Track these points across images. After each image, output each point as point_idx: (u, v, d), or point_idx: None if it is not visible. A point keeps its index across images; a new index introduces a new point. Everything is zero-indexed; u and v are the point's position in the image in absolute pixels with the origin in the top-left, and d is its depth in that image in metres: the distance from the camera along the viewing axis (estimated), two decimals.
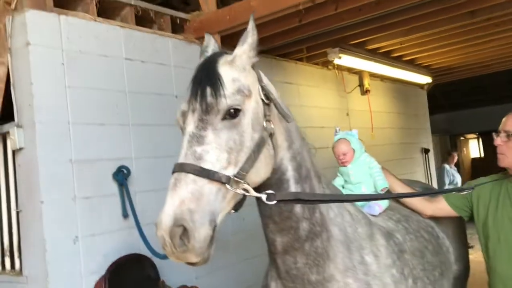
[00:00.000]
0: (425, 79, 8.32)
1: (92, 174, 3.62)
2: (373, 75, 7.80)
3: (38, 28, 3.39)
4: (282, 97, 6.13)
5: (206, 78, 1.82)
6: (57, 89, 3.48)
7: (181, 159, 1.74)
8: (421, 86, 9.58)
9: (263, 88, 1.97)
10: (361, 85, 7.32)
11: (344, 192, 2.81)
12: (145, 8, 4.27)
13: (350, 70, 7.31)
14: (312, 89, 6.53)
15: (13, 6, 3.42)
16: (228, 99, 1.79)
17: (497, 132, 2.63)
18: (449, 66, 8.22)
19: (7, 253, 3.65)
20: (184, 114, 1.87)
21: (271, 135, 1.93)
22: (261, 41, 5.48)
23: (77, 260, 3.45)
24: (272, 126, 1.94)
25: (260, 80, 1.99)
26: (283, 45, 5.54)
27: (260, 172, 1.89)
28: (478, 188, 2.74)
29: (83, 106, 3.63)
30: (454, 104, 15.01)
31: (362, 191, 2.74)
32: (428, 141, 10.15)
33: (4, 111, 3.58)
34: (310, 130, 3.06)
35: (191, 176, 1.68)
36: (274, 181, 2.00)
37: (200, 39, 4.74)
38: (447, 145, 15.89)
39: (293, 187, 2.05)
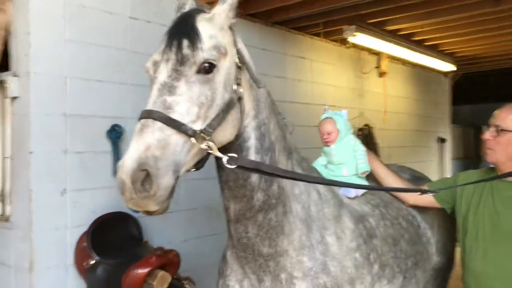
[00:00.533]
0: (448, 67, 8.04)
1: (86, 130, 3.63)
2: (394, 58, 7.59)
3: None
4: (294, 71, 6.05)
5: (184, 30, 1.82)
6: (56, 42, 3.47)
7: (149, 106, 1.72)
8: (444, 74, 9.30)
9: (238, 51, 1.98)
10: (378, 66, 7.13)
11: (325, 172, 2.77)
12: None
13: (370, 51, 7.12)
14: (327, 66, 6.40)
15: None
16: (204, 52, 1.79)
17: (487, 126, 2.52)
18: (474, 55, 7.93)
19: None
20: (156, 64, 1.85)
21: (239, 99, 1.94)
22: (274, 11, 5.40)
23: (63, 213, 3.51)
24: (241, 91, 1.95)
25: (235, 43, 1.99)
26: (298, 18, 5.41)
27: (226, 133, 1.89)
28: (463, 181, 2.65)
29: (82, 61, 3.62)
30: (481, 97, 14.60)
31: (342, 173, 2.69)
32: (445, 131, 9.92)
33: (5, 60, 3.61)
34: (320, 108, 3.02)
35: (158, 123, 1.67)
36: (235, 146, 1.98)
37: (211, 4, 4.65)
38: (470, 137, 15.55)
39: (252, 156, 2.03)
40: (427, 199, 2.79)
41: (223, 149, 1.90)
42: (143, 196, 1.60)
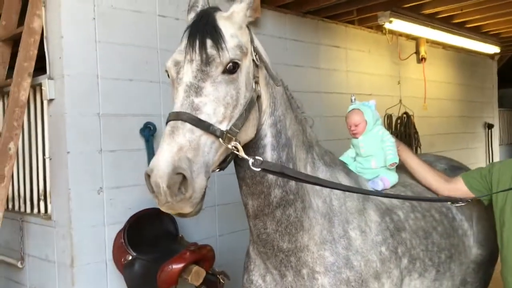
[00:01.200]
0: (493, 49, 7.66)
1: (119, 128, 3.71)
2: (434, 43, 7.33)
3: None
4: (328, 61, 5.96)
5: (205, 29, 1.81)
6: (87, 43, 3.56)
7: (177, 108, 1.73)
8: (490, 56, 8.89)
9: (255, 49, 1.96)
10: (417, 52, 6.90)
11: (354, 165, 2.71)
12: None
13: (408, 36, 6.91)
14: (362, 54, 6.26)
15: None
16: (230, 52, 1.79)
17: None
18: None
19: (41, 197, 3.89)
20: (178, 64, 1.85)
21: (258, 97, 1.93)
22: (305, 1, 5.31)
23: (100, 210, 3.61)
24: (259, 89, 1.94)
25: (252, 41, 1.97)
26: (331, 6, 5.31)
27: (248, 132, 1.89)
28: (499, 170, 2.53)
29: (113, 61, 3.70)
30: None
31: (371, 165, 2.63)
32: (493, 116, 9.51)
33: (41, 63, 3.73)
34: (357, 97, 2.96)
35: (188, 125, 1.68)
36: (251, 144, 1.97)
37: None
38: None
39: (269, 153, 2.02)
40: (463, 191, 2.68)
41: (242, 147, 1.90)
42: (179, 199, 1.60)
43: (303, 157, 2.16)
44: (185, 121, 1.68)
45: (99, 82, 3.61)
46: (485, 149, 9.29)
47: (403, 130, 6.60)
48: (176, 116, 1.70)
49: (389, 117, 6.45)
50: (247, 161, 1.82)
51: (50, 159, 3.65)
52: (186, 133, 1.66)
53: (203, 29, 1.81)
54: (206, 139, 1.69)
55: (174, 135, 1.66)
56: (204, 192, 1.69)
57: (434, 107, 7.42)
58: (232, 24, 1.89)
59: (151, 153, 3.82)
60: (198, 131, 1.68)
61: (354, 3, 5.29)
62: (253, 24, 3.62)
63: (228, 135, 1.74)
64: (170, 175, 1.57)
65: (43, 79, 3.55)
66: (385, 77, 6.61)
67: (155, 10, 3.99)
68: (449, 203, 2.55)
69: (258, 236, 2.13)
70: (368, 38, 6.38)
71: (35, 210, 3.95)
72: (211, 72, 1.77)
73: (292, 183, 2.05)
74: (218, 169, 1.87)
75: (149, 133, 3.82)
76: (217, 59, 1.77)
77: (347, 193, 2.24)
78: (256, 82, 1.92)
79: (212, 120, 1.72)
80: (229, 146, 1.74)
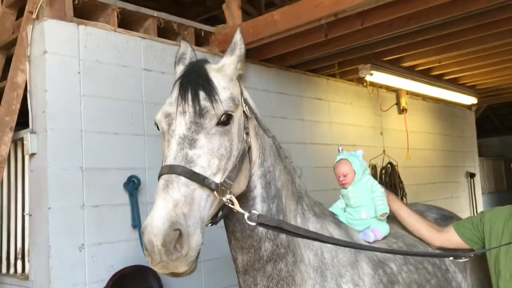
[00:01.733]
0: (470, 100, 7.90)
1: (103, 182, 3.63)
2: (414, 94, 7.53)
3: (55, 37, 3.47)
4: (312, 113, 6.00)
5: (198, 81, 1.80)
6: (72, 97, 3.53)
7: (171, 161, 1.68)
8: (468, 107, 9.13)
9: (245, 101, 1.97)
10: (398, 103, 7.05)
11: (344, 216, 2.67)
12: (168, 20, 4.30)
13: (388, 88, 7.08)
14: (345, 106, 6.35)
15: (34, 15, 3.52)
16: (223, 104, 1.77)
17: None
18: (496, 87, 7.80)
19: (19, 256, 3.72)
20: (168, 116, 1.81)
21: (249, 148, 1.91)
22: (288, 55, 5.43)
23: (81, 268, 3.46)
24: (250, 140, 1.93)
25: (241, 93, 1.97)
26: (313, 60, 5.44)
27: (240, 184, 1.85)
28: (490, 219, 2.51)
29: (97, 114, 3.67)
30: (509, 128, 14.27)
31: (361, 216, 2.58)
32: (474, 165, 9.64)
33: (23, 118, 3.68)
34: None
35: (182, 179, 1.62)
36: (241, 196, 1.92)
37: (224, 52, 4.71)
38: (501, 170, 15.09)
39: (259, 205, 1.97)
40: (455, 241, 2.63)
41: None
42: (175, 257, 1.52)
43: (293, 208, 2.12)
44: (179, 174, 1.63)
45: (83, 135, 3.57)
46: (469, 198, 9.34)
47: (388, 180, 6.62)
48: (170, 169, 1.65)
49: (374, 167, 6.47)
50: (242, 215, 1.77)
51: (30, 215, 3.52)
52: (181, 187, 1.60)
53: (195, 81, 1.80)
54: (201, 193, 1.64)
55: (169, 190, 1.59)
56: (199, 250, 1.62)
57: (417, 157, 7.50)
58: (223, 77, 1.88)
59: (134, 207, 3.73)
60: (193, 185, 1.63)
61: (336, 57, 5.42)
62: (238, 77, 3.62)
63: (223, 187, 1.69)
64: (167, 232, 1.50)
65: (25, 133, 3.48)
66: (368, 128, 6.69)
67: (141, 65, 4.02)
68: (451, 258, 2.47)
69: None
70: (350, 90, 6.51)
71: (11, 270, 3.76)
72: (205, 124, 1.74)
73: (283, 236, 1.99)
74: (210, 224, 1.80)
75: (133, 186, 3.74)
76: (211, 111, 1.74)
77: None
78: (247, 133, 1.91)
79: (207, 172, 1.68)
80: (224, 199, 1.70)
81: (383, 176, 6.58)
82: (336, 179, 2.73)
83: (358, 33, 4.53)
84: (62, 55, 3.50)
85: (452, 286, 2.64)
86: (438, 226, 2.79)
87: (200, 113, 1.74)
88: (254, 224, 1.77)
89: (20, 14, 3.88)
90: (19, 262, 3.71)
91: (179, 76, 1.87)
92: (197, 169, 1.66)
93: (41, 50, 3.44)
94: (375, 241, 2.47)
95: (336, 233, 2.23)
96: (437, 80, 6.78)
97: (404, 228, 2.76)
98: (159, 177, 1.68)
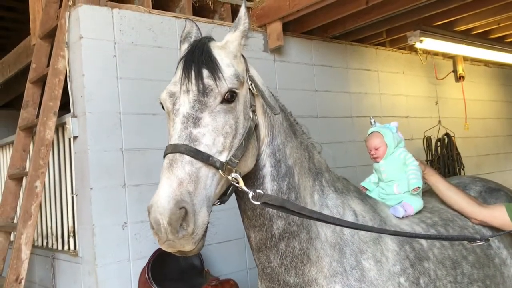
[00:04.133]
0: None
1: (142, 162, 3.71)
2: (475, 60, 7.05)
3: (90, 22, 3.55)
4: (359, 85, 5.82)
5: (201, 59, 1.76)
6: (109, 81, 3.62)
7: (175, 140, 1.67)
8: None
9: (251, 78, 1.91)
10: (455, 71, 6.63)
11: (376, 190, 2.56)
12: None
13: (444, 55, 6.67)
14: (396, 76, 6.07)
15: (70, 2, 3.61)
16: (227, 82, 1.74)
17: None
18: None
19: (71, 234, 3.92)
20: (173, 95, 1.81)
21: (256, 126, 1.86)
22: (330, 26, 5.23)
23: (125, 246, 3.59)
24: (257, 117, 1.88)
25: (248, 70, 1.93)
26: (358, 29, 5.21)
27: (248, 162, 1.82)
28: None
29: (135, 96, 3.73)
30: None
31: (393, 191, 2.46)
32: None
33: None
34: (392, 120, 2.82)
35: (187, 157, 1.61)
36: (250, 175, 1.89)
37: (263, 26, 4.63)
38: None
39: (268, 184, 1.92)
40: (501, 219, 2.45)
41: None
42: (181, 235, 1.51)
43: (309, 184, 2.05)
44: (183, 153, 1.61)
45: (122, 117, 3.65)
46: None
47: (446, 152, 6.29)
48: (174, 149, 1.63)
49: (428, 139, 6.17)
50: (247, 193, 1.73)
51: (77, 195, 3.68)
52: (186, 166, 1.58)
53: (198, 59, 1.76)
54: (207, 171, 1.62)
55: (173, 169, 1.58)
56: (206, 228, 1.60)
57: (478, 126, 7.07)
58: (227, 54, 1.84)
59: None
60: (197, 163, 1.60)
61: (382, 24, 5.15)
62: (277, 52, 3.55)
63: (228, 166, 1.66)
64: (172, 211, 1.49)
65: (67, 118, 3.62)
66: (422, 98, 6.37)
67: (176, 45, 4.02)
68: (465, 242, 2.30)
69: (263, 270, 2.03)
70: (402, 59, 6.20)
71: (65, 247, 3.98)
72: (209, 102, 1.71)
73: None
74: (218, 203, 1.79)
75: None
76: (215, 89, 1.71)
77: (360, 221, 2.10)
78: (253, 111, 1.86)
79: (211, 151, 1.65)
80: (230, 177, 1.67)
81: (439, 148, 6.26)
82: (368, 152, 2.62)
83: None
84: (98, 40, 3.58)
85: (495, 263, 2.47)
86: (481, 201, 2.62)
87: (203, 91, 1.71)
88: (258, 203, 1.73)
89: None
90: (71, 240, 3.90)
91: (183, 55, 1.84)
92: (201, 148, 1.63)
93: (77, 36, 3.53)
94: (407, 216, 2.35)
95: (359, 209, 2.14)
96: (498, 43, 6.28)
97: (443, 202, 2.61)
98: (164, 157, 1.67)
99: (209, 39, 1.91)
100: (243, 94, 1.82)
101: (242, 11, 1.92)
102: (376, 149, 2.55)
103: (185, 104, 1.72)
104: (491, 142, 7.41)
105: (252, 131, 1.82)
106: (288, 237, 1.93)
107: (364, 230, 2.00)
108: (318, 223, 1.98)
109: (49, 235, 4.31)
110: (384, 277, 2.01)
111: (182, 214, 1.50)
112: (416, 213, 2.42)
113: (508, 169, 7.63)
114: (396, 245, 2.11)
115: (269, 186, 1.92)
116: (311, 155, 2.12)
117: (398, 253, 2.09)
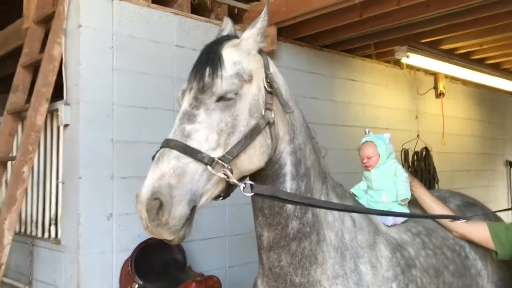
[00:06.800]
0: None
1: (132, 155, 3.72)
2: (453, 78, 7.29)
3: (90, 11, 3.55)
4: (345, 94, 5.93)
5: (207, 58, 1.82)
6: (104, 71, 3.62)
7: (170, 136, 1.74)
8: (511, 93, 8.77)
9: (268, 76, 1.93)
10: (436, 87, 6.86)
11: (365, 198, 2.66)
12: None
13: (426, 71, 6.88)
14: (380, 88, 6.24)
15: None
16: (224, 81, 1.78)
17: None
18: None
19: (53, 221, 3.89)
20: (183, 93, 1.87)
21: (269, 123, 1.88)
22: (322, 35, 5.35)
23: (109, 237, 3.59)
24: (273, 116, 1.90)
25: (266, 67, 1.95)
26: (347, 40, 5.34)
27: (254, 159, 1.84)
28: None
29: (129, 88, 3.75)
30: None
31: (382, 199, 2.57)
32: None
33: (60, 91, 3.80)
34: (373, 131, 2.94)
35: (174, 152, 1.67)
36: (271, 173, 1.95)
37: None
38: None
39: (288, 183, 1.99)
40: (480, 233, 2.59)
41: (260, 176, 1.92)
42: (156, 224, 1.61)
43: (319, 188, 2.13)
44: (172, 148, 1.68)
45: (114, 108, 3.66)
46: (507, 187, 9.07)
47: (423, 165, 6.50)
48: (165, 143, 1.72)
49: (406, 152, 6.36)
50: (239, 187, 1.78)
51: (63, 183, 3.67)
52: (171, 160, 1.66)
53: (206, 57, 1.83)
54: (196, 167, 1.67)
55: (159, 163, 1.67)
56: (188, 220, 1.66)
57: (454, 143, 7.31)
58: (238, 51, 1.88)
59: None
60: (185, 158, 1.67)
61: (371, 37, 5.30)
62: (270, 56, 3.58)
63: (220, 162, 1.70)
64: (148, 200, 1.60)
65: (60, 105, 3.61)
66: (403, 112, 6.56)
67: (173, 41, 4.06)
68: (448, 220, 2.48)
69: (271, 269, 2.07)
70: (386, 72, 6.37)
71: (46, 235, 3.95)
72: (205, 99, 1.77)
73: (309, 214, 2.02)
74: (221, 198, 1.83)
75: None
76: (212, 87, 1.76)
77: (357, 226, 2.19)
78: (269, 109, 1.88)
79: (203, 147, 1.70)
80: (218, 174, 1.70)
81: (415, 161, 6.46)
82: (360, 160, 2.72)
83: (394, 13, 4.41)
84: (96, 29, 3.58)
85: (471, 273, 2.61)
86: (460, 214, 2.76)
87: (202, 89, 1.77)
88: (250, 194, 1.78)
89: None
90: (52, 228, 3.88)
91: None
92: (193, 143, 1.69)
93: (76, 24, 3.53)
94: (394, 225, 2.46)
95: (356, 215, 2.23)
96: (478, 64, 6.54)
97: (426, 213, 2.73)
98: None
99: (229, 37, 1.97)
100: (251, 91, 1.85)
101: (264, 10, 1.94)
102: (368, 158, 2.65)
103: (186, 101, 1.81)
104: (464, 159, 7.68)
105: (261, 129, 1.84)
106: (300, 237, 2.00)
107: (354, 212, 2.15)
108: (325, 225, 2.07)
109: (29, 221, 4.27)
110: (379, 282, 2.10)
111: (156, 204, 1.60)
112: (402, 222, 2.53)
113: (478, 185, 7.91)
114: (389, 251, 2.21)
115: (288, 185, 1.98)
116: (319, 159, 2.19)
117: (390, 259, 2.19)
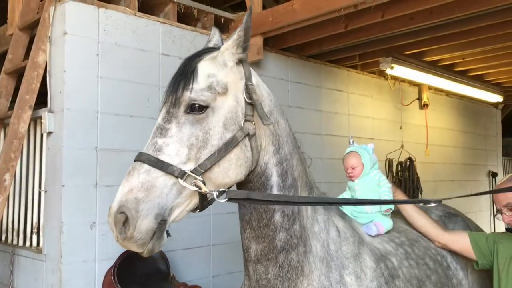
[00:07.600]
0: (496, 98, 7.72)
1: (116, 164, 3.70)
2: (437, 90, 7.40)
3: (76, 18, 3.54)
4: (330, 104, 5.96)
5: (183, 72, 1.83)
6: (89, 79, 3.61)
7: (143, 149, 1.75)
8: (494, 105, 8.93)
9: (248, 87, 1.89)
10: (420, 98, 6.95)
11: (349, 208, 2.67)
12: (188, 5, 4.33)
13: (410, 83, 6.98)
14: (365, 99, 6.30)
15: None
16: (192, 92, 1.77)
17: (498, 211, 2.44)
18: None
19: (34, 230, 3.84)
20: (162, 107, 1.87)
21: (249, 135, 1.85)
22: (307, 45, 5.40)
23: (92, 245, 3.56)
24: (253, 127, 1.87)
25: (247, 78, 1.91)
26: (333, 51, 5.40)
27: (229, 173, 1.81)
28: (501, 239, 2.52)
29: (114, 97, 3.73)
30: None
31: (365, 209, 2.58)
32: (497, 164, 9.46)
33: (43, 98, 3.77)
34: (358, 140, 2.97)
35: (145, 166, 1.68)
36: (258, 185, 1.96)
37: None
38: None
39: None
40: (462, 245, 2.64)
41: (246, 188, 1.94)
42: (122, 237, 1.64)
43: None
44: (143, 161, 1.69)
45: (99, 116, 3.64)
46: (489, 197, 9.17)
47: (407, 175, 6.56)
48: (137, 157, 1.73)
49: (390, 162, 6.42)
50: (212, 195, 1.74)
51: (45, 191, 3.63)
52: (141, 174, 1.67)
53: (182, 71, 1.84)
54: (166, 180, 1.67)
55: (129, 176, 1.69)
56: (158, 234, 1.66)
57: (437, 153, 7.40)
58: (215, 64, 1.85)
59: None
60: (155, 172, 1.67)
61: (356, 48, 5.37)
62: (256, 66, 3.64)
63: (192, 174, 1.69)
64: (114, 214, 1.64)
65: (43, 112, 3.58)
66: (387, 122, 6.63)
67: (159, 49, 4.06)
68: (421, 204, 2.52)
69: (257, 282, 2.06)
70: (371, 83, 6.44)
71: (27, 243, 3.90)
72: (176, 113, 1.77)
73: (296, 226, 2.01)
74: (198, 210, 1.80)
75: None
76: (182, 101, 1.76)
77: (342, 236, 2.19)
78: (249, 121, 1.85)
79: (174, 161, 1.69)
80: (190, 186, 1.69)
81: (399, 171, 6.52)
82: (344, 170, 2.74)
83: (379, 25, 4.48)
84: (82, 37, 3.57)
85: (453, 283, 2.64)
86: (443, 225, 2.80)
87: (174, 103, 1.77)
88: (224, 200, 1.74)
89: None
90: (34, 236, 3.82)
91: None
92: (163, 157, 1.69)
93: (62, 31, 3.51)
94: (377, 235, 2.48)
95: (341, 225, 2.24)
96: (461, 76, 6.64)
97: (408, 223, 2.76)
98: None
99: (210, 49, 1.97)
100: (227, 104, 1.82)
101: (244, 20, 1.91)
102: (353, 168, 2.67)
103: (160, 115, 1.82)
104: (447, 169, 7.77)
105: (238, 141, 1.80)
106: (288, 249, 2.00)
107: (331, 204, 2.21)
108: (311, 236, 2.07)
109: (10, 230, 4.20)
110: None
111: (122, 218, 1.64)
112: (386, 233, 2.55)
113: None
114: (373, 262, 2.22)
115: None
116: (305, 169, 2.20)
117: (375, 270, 2.20)
